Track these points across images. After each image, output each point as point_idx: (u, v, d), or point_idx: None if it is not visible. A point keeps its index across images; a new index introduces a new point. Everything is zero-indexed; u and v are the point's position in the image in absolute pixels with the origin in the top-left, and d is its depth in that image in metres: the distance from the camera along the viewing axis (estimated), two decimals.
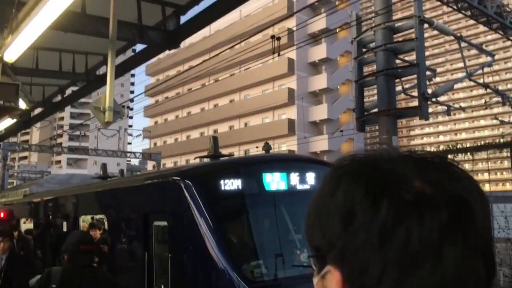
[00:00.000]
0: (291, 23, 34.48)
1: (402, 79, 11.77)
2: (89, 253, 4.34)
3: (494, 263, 0.64)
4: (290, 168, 5.85)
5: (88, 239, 4.53)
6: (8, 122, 8.38)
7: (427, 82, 11.18)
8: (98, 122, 5.89)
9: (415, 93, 11.46)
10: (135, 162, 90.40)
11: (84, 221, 9.29)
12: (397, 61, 11.51)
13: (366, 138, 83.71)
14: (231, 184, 5.24)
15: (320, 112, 46.97)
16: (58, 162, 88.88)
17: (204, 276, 5.07)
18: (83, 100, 50.93)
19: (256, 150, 35.32)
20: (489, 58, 16.08)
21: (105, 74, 10.36)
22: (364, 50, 11.79)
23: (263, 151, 7.70)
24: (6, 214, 11.73)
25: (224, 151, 6.82)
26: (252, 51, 12.56)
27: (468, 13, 14.40)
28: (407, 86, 13.36)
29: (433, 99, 11.00)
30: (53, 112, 14.76)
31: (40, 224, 10.04)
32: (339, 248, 0.63)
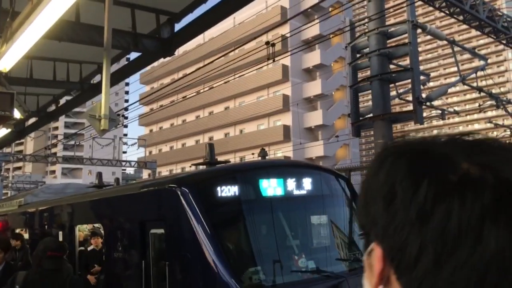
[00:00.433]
0: (285, 29, 34.64)
1: (397, 84, 11.82)
2: (55, 258, 4.71)
3: None
4: (287, 174, 5.85)
5: (55, 246, 4.90)
6: (2, 132, 8.34)
7: (421, 87, 11.23)
8: (93, 131, 5.87)
9: (410, 98, 11.52)
10: (130, 171, 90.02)
11: (80, 230, 9.23)
12: (391, 66, 11.57)
13: (361, 144, 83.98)
14: (228, 191, 5.23)
15: (315, 118, 47.07)
16: (53, 172, 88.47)
17: (202, 284, 5.04)
18: (77, 109, 50.85)
19: (251, 157, 35.29)
20: (481, 62, 16.20)
21: (99, 83, 10.37)
22: (358, 55, 11.85)
23: (259, 157, 7.70)
24: (1, 225, 11.66)
25: (220, 159, 6.81)
26: (246, 58, 12.56)
27: (461, 17, 14.52)
28: (401, 91, 13.42)
29: (428, 103, 11.05)
30: (48, 122, 14.71)
31: (36, 234, 9.96)
32: (381, 226, 0.65)
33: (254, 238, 5.53)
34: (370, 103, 11.22)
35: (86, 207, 8.21)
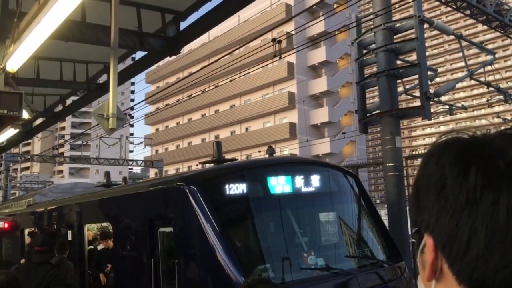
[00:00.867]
0: (290, 27, 34.53)
1: (403, 80, 11.76)
2: (41, 253, 5.43)
3: None
4: (295, 171, 5.83)
5: (42, 242, 5.67)
6: (10, 132, 8.36)
7: (428, 82, 11.16)
8: (100, 130, 5.88)
9: (417, 93, 11.44)
10: (137, 170, 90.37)
11: (89, 229, 9.26)
12: (398, 62, 11.50)
13: (368, 140, 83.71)
14: (236, 188, 5.22)
15: (321, 115, 46.97)
16: (60, 172, 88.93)
17: (211, 281, 5.04)
18: (84, 109, 51.01)
19: (258, 154, 35.27)
20: (488, 57, 16.06)
21: (106, 83, 10.40)
22: (364, 51, 11.78)
23: (267, 155, 7.68)
24: (10, 225, 11.72)
25: (226, 157, 6.80)
26: (251, 56, 12.54)
27: (468, 12, 14.40)
28: (408, 86, 13.34)
29: (435, 99, 10.97)
30: (55, 122, 14.77)
31: (45, 234, 10.00)
32: (432, 213, 0.67)
33: (262, 236, 5.52)
34: (376, 100, 11.17)
35: (94, 206, 8.23)
